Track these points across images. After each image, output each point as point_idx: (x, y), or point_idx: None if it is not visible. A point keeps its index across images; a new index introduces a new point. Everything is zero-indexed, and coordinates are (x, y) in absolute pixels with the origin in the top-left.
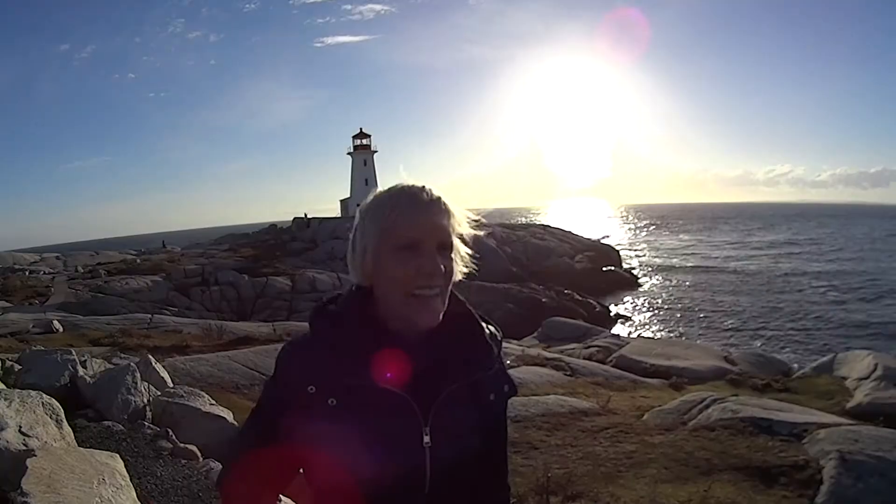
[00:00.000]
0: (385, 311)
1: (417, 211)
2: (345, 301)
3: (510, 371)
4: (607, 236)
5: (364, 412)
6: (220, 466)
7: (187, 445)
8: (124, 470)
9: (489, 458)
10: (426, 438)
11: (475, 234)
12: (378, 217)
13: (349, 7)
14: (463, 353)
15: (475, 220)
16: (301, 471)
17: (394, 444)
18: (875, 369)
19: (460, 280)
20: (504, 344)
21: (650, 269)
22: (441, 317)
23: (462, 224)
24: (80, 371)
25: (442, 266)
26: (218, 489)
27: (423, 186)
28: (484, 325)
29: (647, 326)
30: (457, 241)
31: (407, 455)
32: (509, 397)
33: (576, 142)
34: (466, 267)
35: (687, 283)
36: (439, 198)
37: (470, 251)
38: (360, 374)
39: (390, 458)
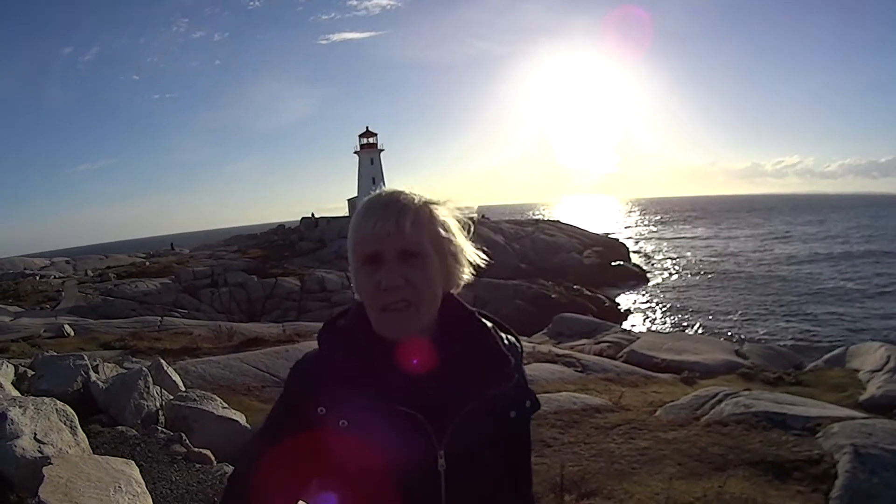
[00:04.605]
0: None
1: (372, 221)
2: (352, 316)
3: None
4: (615, 231)
5: (376, 434)
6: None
7: (201, 449)
8: (140, 477)
9: (510, 478)
10: (441, 461)
11: (482, 233)
12: (349, 232)
13: (354, 3)
14: (478, 367)
15: (470, 218)
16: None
17: (406, 469)
18: (888, 361)
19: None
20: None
21: (659, 263)
22: (416, 330)
23: (447, 221)
24: (93, 376)
25: (404, 277)
26: (226, 485)
27: (391, 191)
28: (503, 334)
29: (657, 321)
30: (451, 242)
31: (420, 480)
32: (532, 413)
33: (584, 137)
34: (469, 269)
35: (696, 277)
36: (400, 201)
37: (476, 253)
38: (371, 394)
39: (402, 482)
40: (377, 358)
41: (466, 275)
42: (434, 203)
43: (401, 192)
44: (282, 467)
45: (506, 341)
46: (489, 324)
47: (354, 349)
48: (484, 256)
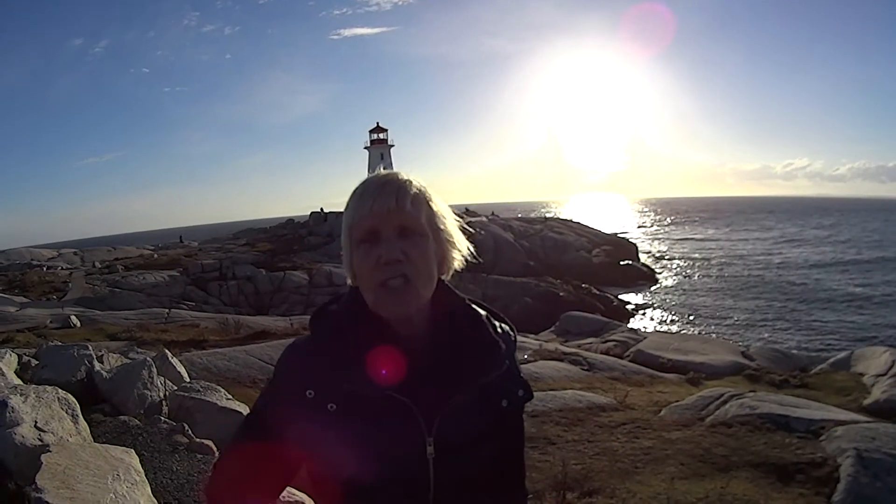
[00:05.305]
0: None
1: (371, 197)
2: (345, 301)
3: (526, 366)
4: (624, 230)
5: (364, 420)
6: None
7: (203, 440)
8: (139, 465)
9: (501, 468)
10: (430, 449)
11: (473, 225)
12: (345, 214)
13: None
14: (469, 353)
15: (460, 215)
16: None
17: (394, 456)
18: (892, 366)
19: (462, 272)
20: (521, 338)
21: (668, 263)
22: (415, 308)
23: (440, 209)
24: (97, 366)
25: (403, 253)
26: (204, 490)
27: (388, 173)
28: (497, 322)
29: (664, 321)
30: (444, 227)
31: (408, 467)
32: (525, 402)
33: (594, 135)
34: (460, 257)
35: (704, 277)
36: (399, 181)
37: (466, 242)
38: (360, 379)
39: (390, 469)
40: (368, 343)
41: (458, 262)
42: (432, 194)
43: (398, 174)
44: (269, 451)
45: (499, 329)
46: (482, 311)
47: (345, 334)
48: (472, 249)
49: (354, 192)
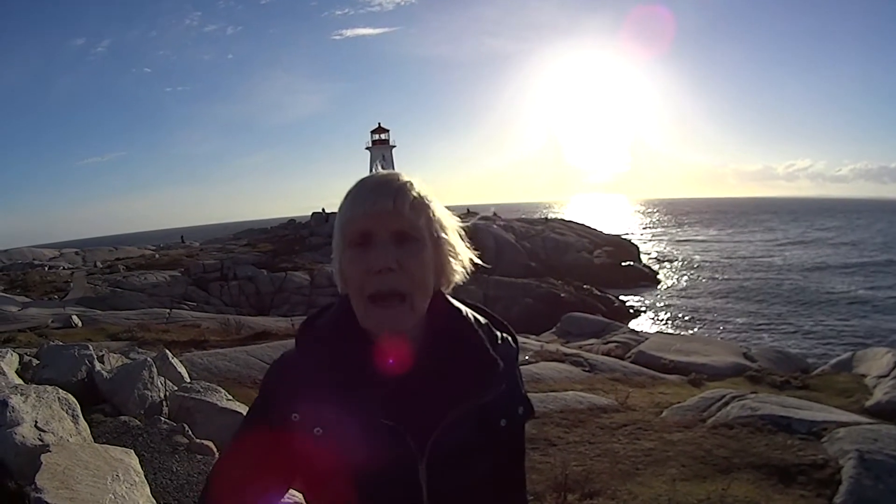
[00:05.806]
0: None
1: (366, 197)
2: (333, 314)
3: (527, 367)
4: (626, 231)
5: (352, 444)
6: None
7: (203, 441)
8: (139, 466)
9: (500, 477)
10: (422, 471)
11: (472, 227)
12: (338, 214)
13: None
14: (465, 372)
15: (460, 216)
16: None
17: (384, 481)
18: (894, 367)
19: (470, 275)
20: (522, 339)
21: (669, 264)
22: (409, 324)
23: (442, 216)
24: (97, 366)
25: (397, 261)
26: (202, 494)
27: (387, 172)
28: (498, 332)
29: (666, 322)
30: (444, 235)
31: (401, 490)
32: (525, 421)
33: (595, 136)
34: (461, 269)
35: (706, 279)
36: (398, 181)
37: (470, 250)
38: (347, 401)
39: (382, 492)
40: (356, 362)
41: (458, 274)
42: (433, 198)
43: (398, 174)
44: (260, 467)
45: (499, 340)
46: (483, 319)
47: (332, 352)
48: (477, 259)
49: (350, 191)
